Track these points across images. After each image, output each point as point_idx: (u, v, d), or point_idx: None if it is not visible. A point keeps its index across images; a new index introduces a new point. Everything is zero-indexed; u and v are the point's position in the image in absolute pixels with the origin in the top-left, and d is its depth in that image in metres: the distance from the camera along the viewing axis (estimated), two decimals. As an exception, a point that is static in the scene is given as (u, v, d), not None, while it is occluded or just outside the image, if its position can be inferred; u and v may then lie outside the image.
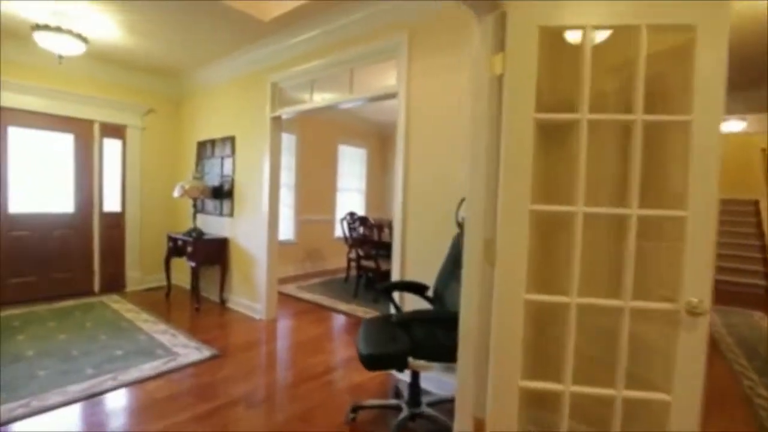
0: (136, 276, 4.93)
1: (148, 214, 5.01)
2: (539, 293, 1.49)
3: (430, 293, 2.45)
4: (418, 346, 1.87)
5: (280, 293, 4.85)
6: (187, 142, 5.03)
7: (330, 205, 6.74)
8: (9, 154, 4.02)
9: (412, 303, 2.68)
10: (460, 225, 2.25)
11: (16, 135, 4.05)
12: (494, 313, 1.49)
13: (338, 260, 6.92)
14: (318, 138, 6.42)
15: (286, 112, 3.70)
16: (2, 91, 3.89)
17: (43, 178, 4.25)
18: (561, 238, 1.54)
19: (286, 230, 6.01)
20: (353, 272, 5.85)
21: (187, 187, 4.19)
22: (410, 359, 1.85)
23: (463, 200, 2.25)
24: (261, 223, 3.92)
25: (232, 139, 4.28)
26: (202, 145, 4.77)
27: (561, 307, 1.46)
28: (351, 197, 7.22)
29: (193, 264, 4.10)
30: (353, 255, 5.43)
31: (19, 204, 4.11)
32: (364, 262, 4.81)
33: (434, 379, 2.56)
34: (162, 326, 3.59)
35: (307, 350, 3.20)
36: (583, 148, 1.42)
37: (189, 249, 4.15)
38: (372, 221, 4.61)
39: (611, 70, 1.60)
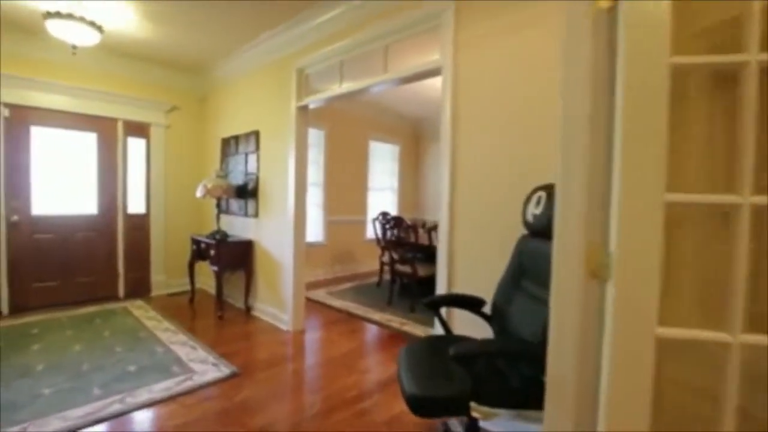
0: (161, 280, 4.73)
1: (173, 215, 4.80)
2: (675, 325, 1.01)
3: (486, 309, 1.99)
4: (480, 386, 1.42)
5: (309, 300, 4.50)
6: (212, 139, 4.79)
7: (360, 204, 6.37)
8: (32, 154, 3.88)
9: (462, 321, 2.23)
10: (531, 225, 1.78)
11: (38, 135, 3.91)
12: (608, 355, 1.02)
13: (370, 263, 6.53)
14: (347, 133, 6.07)
15: (313, 101, 3.33)
16: (25, 90, 3.76)
17: (65, 179, 4.10)
18: (707, 243, 1.05)
19: (315, 231, 5.68)
20: (386, 276, 5.44)
21: (209, 186, 3.92)
22: (472, 404, 1.40)
23: (535, 191, 1.78)
24: (287, 225, 3.58)
25: (256, 134, 3.97)
26: (226, 142, 4.50)
27: (713, 347, 0.97)
28: (383, 196, 6.82)
29: (215, 268, 3.81)
30: (386, 258, 5.01)
31: (42, 206, 3.97)
32: (399, 267, 4.38)
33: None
34: (182, 336, 3.31)
35: (338, 369, 2.81)
36: (750, 108, 0.93)
37: (212, 252, 3.87)
38: (408, 222, 4.18)
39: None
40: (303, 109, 3.49)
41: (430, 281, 4.51)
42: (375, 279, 5.72)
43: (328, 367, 2.84)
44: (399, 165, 7.05)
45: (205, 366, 2.75)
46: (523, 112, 2.04)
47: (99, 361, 2.80)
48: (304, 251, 3.64)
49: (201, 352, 2.99)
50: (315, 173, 5.62)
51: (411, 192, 7.41)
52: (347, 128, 6.05)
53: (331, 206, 5.83)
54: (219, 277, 3.82)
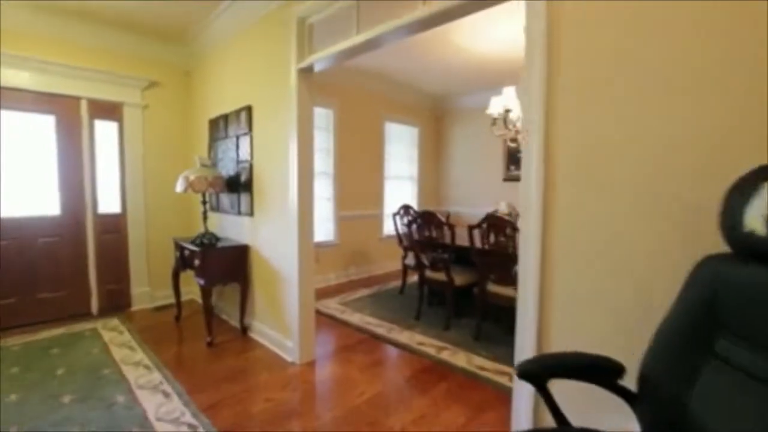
0: (143, 292, 3.97)
1: (155, 214, 4.01)
2: None
3: (629, 384, 1.15)
4: None
5: (320, 314, 3.70)
6: (201, 121, 3.96)
7: (376, 196, 5.52)
8: (-28, 142, 3.10)
9: (566, 391, 1.39)
10: (748, 239, 0.92)
11: (-22, 117, 3.12)
12: None
13: (388, 263, 5.71)
14: (360, 113, 5.20)
15: (319, 60, 2.47)
16: (-46, 60, 2.96)
17: (18, 174, 3.32)
18: None
19: (325, 229, 4.86)
20: (410, 279, 4.64)
21: (192, 178, 3.11)
22: None
23: (759, 171, 0.92)
24: (289, 225, 2.76)
25: (248, 111, 3.13)
26: (213, 124, 3.67)
27: None
28: (401, 186, 5.96)
29: (201, 282, 3.02)
30: (410, 261, 4.18)
31: (-13, 207, 3.20)
32: (430, 274, 3.54)
33: None
34: (156, 375, 2.53)
35: (364, 429, 2.01)
36: None
37: (196, 262, 3.07)
38: (441, 217, 3.33)
39: None
40: (307, 73, 2.64)
41: (468, 291, 3.69)
42: (395, 284, 4.90)
43: (351, 425, 2.03)
44: (419, 150, 6.17)
45: (177, 430, 1.97)
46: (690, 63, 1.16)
47: (34, 421, 2.03)
48: (313, 258, 2.83)
49: (176, 403, 2.21)
50: (323, 161, 4.78)
51: (432, 181, 6.53)
52: (359, 107, 5.18)
53: (342, 199, 5.00)
54: (206, 293, 3.03)
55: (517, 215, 4.03)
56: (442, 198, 6.52)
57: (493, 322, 3.50)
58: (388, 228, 5.60)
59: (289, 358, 2.81)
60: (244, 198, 3.22)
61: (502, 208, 3.73)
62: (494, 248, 2.98)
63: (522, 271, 1.58)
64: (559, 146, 1.45)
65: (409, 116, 5.96)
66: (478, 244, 3.11)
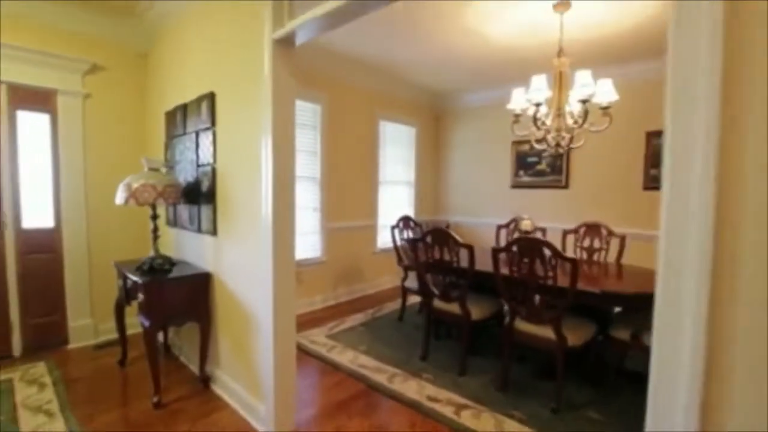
0: (84, 325, 3.20)
1: (100, 229, 3.26)
2: None
3: None
4: None
5: (303, 352, 3.00)
6: (158, 114, 3.23)
7: (370, 204, 4.85)
8: None
9: None
10: None
11: None
12: None
13: (383, 280, 5.04)
14: (351, 110, 4.52)
15: (302, 26, 1.79)
16: None
17: None
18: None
19: (310, 244, 4.16)
20: (409, 300, 3.99)
21: (135, 186, 2.38)
22: None
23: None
24: (261, 248, 2.05)
25: (210, 99, 2.42)
26: (170, 117, 2.95)
27: None
28: (396, 193, 5.30)
29: (145, 323, 2.29)
30: (412, 284, 3.52)
31: None
32: (440, 304, 2.88)
33: None
34: (70, 465, 1.80)
35: None
36: None
37: (139, 296, 2.34)
38: (458, 238, 2.66)
39: None
40: (286, 48, 1.96)
41: (485, 325, 3.03)
42: (392, 306, 4.23)
43: None
44: (416, 152, 5.52)
45: None
46: None
47: None
48: (293, 291, 2.12)
49: None
50: (309, 165, 4.09)
51: (431, 187, 5.89)
52: (351, 103, 4.50)
53: (331, 209, 4.30)
54: (151, 337, 2.29)
55: (534, 230, 3.40)
56: (442, 206, 5.88)
57: (517, 362, 2.86)
58: (383, 240, 4.93)
59: (260, 428, 2.10)
60: (206, 211, 2.50)
61: (524, 224, 3.10)
62: (526, 277, 2.34)
63: (664, 317, 0.93)
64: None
65: (406, 114, 5.31)
66: (504, 270, 2.47)
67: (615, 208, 4.28)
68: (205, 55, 2.51)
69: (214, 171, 2.42)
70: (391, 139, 5.14)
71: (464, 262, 2.68)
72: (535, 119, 2.73)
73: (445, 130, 5.80)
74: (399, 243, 3.89)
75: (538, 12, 2.95)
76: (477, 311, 2.77)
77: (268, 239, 1.98)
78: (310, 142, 4.07)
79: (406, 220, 3.95)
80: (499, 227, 4.14)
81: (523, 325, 2.47)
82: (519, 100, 2.99)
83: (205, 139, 2.47)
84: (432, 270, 2.90)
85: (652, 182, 4.08)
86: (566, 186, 4.67)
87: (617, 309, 2.75)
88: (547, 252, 2.23)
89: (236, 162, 2.26)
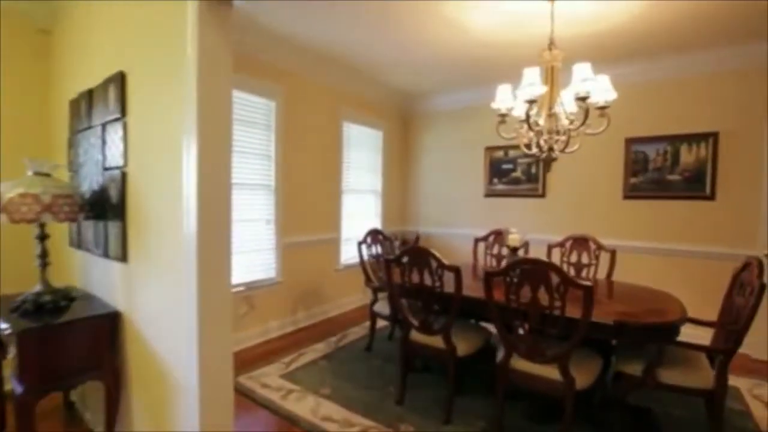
0: (-47, 378, 2.41)
1: (-20, 250, 2.50)
2: None
3: None
4: None
5: (250, 401, 2.40)
6: (63, 104, 2.54)
7: (332, 215, 4.32)
8: None
9: None
10: None
11: None
12: None
13: (348, 300, 4.51)
14: (313, 108, 3.99)
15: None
16: None
17: None
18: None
19: (263, 263, 3.56)
20: (379, 323, 3.50)
21: (9, 196, 1.72)
22: None
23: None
24: (182, 280, 1.48)
25: (119, 81, 1.82)
26: (74, 106, 2.29)
27: None
28: (362, 202, 4.81)
29: (19, 389, 1.63)
30: (383, 309, 3.04)
31: None
32: (420, 337, 2.41)
33: None
34: None
35: None
36: None
37: (11, 350, 1.68)
38: (441, 259, 2.20)
39: None
40: (219, 7, 1.43)
41: (473, 361, 2.57)
42: (359, 331, 3.71)
43: None
44: (383, 158, 5.06)
45: None
46: None
47: None
48: (228, 339, 1.56)
49: None
50: (261, 170, 3.50)
51: (399, 195, 5.45)
52: (312, 100, 3.97)
53: (288, 221, 3.73)
54: (24, 411, 1.63)
55: (522, 245, 3.03)
56: (411, 216, 5.45)
57: (510, 399, 2.44)
58: (347, 255, 4.41)
59: None
60: (113, 230, 1.88)
61: (512, 239, 2.71)
62: (528, 307, 1.92)
63: None
64: None
65: (373, 116, 4.86)
66: (499, 298, 2.04)
67: (595, 218, 4.04)
68: (115, 23, 1.91)
69: (124, 176, 1.81)
70: (356, 143, 4.65)
71: (449, 287, 2.22)
72: (527, 119, 2.35)
73: (414, 135, 5.40)
74: (367, 259, 3.39)
75: (527, 2, 2.60)
76: (464, 345, 2.32)
77: (191, 267, 1.42)
78: (263, 144, 3.50)
79: (374, 234, 3.47)
80: (477, 240, 3.76)
81: (521, 364, 2.05)
82: (505, 97, 2.62)
83: (114, 134, 1.86)
84: (409, 296, 2.42)
85: (633, 191, 3.88)
86: (543, 195, 4.39)
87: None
88: (554, 278, 1.82)
89: (154, 164, 1.68)
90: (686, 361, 2.12)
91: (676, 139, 3.67)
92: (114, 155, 1.86)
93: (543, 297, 1.87)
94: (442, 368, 2.55)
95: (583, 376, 1.96)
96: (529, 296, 1.90)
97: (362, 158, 4.76)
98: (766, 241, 3.26)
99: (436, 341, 2.32)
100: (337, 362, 3.07)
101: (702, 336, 2.53)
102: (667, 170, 3.72)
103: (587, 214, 4.09)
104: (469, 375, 2.80)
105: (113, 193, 1.86)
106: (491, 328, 2.28)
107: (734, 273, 2.23)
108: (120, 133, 1.81)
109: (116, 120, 1.83)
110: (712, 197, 3.53)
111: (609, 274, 3.05)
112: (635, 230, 3.85)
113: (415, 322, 2.37)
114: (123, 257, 1.82)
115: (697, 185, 3.59)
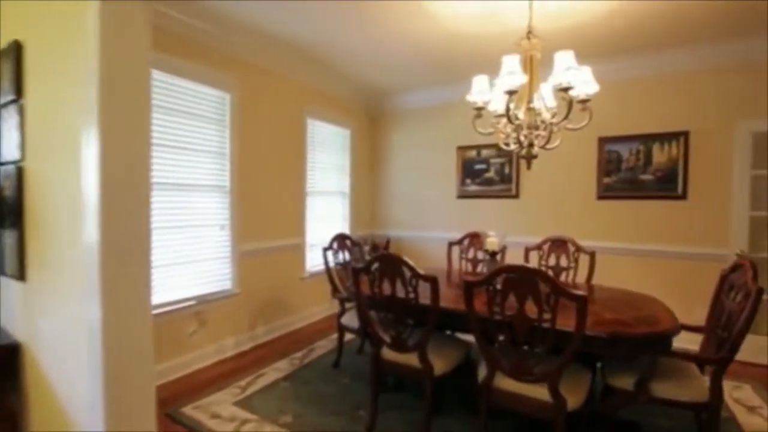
0: None
1: None
2: None
3: None
4: None
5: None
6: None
7: (296, 219, 3.99)
8: None
9: None
10: None
11: None
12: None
13: (313, 311, 4.19)
14: (273, 103, 3.66)
15: None
16: None
17: None
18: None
19: (215, 273, 3.18)
20: (347, 337, 3.22)
21: None
22: None
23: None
24: (83, 302, 1.14)
25: (13, 54, 1.45)
26: (-33, 90, 1.88)
27: None
28: (328, 205, 4.51)
29: None
30: (352, 322, 2.76)
31: None
32: (392, 355, 2.14)
33: None
34: None
35: None
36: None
37: None
38: (415, 268, 1.94)
39: None
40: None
41: (452, 378, 2.31)
42: (325, 345, 3.41)
43: None
44: (351, 158, 4.79)
45: None
46: None
47: None
48: (152, 369, 1.36)
49: None
50: (213, 169, 3.14)
51: (368, 198, 5.19)
52: (272, 94, 3.64)
53: (246, 226, 3.37)
54: None
55: (502, 249, 2.83)
56: (381, 219, 5.20)
57: (494, 419, 2.21)
58: (313, 261, 4.09)
59: None
60: (9, 240, 1.50)
61: (490, 243, 2.51)
62: (513, 321, 1.71)
63: None
64: None
65: (340, 114, 4.58)
66: (481, 309, 1.81)
67: (569, 219, 3.94)
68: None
69: (20, 173, 1.44)
70: (322, 142, 4.36)
71: (425, 298, 1.98)
72: (507, 111, 2.15)
73: (383, 134, 5.16)
74: (334, 267, 3.10)
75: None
76: (441, 363, 2.08)
77: (93, 285, 1.09)
78: (216, 140, 3.14)
79: (341, 239, 3.18)
80: (452, 244, 3.55)
81: (505, 383, 1.83)
82: (482, 89, 2.41)
83: (9, 119, 1.49)
84: (380, 308, 2.16)
85: (606, 191, 3.80)
86: (517, 195, 4.26)
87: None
88: (543, 287, 1.61)
89: (55, 157, 1.33)
90: (677, 372, 1.97)
91: (648, 139, 3.62)
92: (9, 146, 1.48)
93: (530, 308, 1.66)
94: (417, 385, 2.30)
95: (574, 396, 1.76)
96: (515, 308, 1.69)
97: (329, 158, 4.47)
98: (737, 240, 3.25)
99: (411, 359, 2.07)
100: (301, 383, 2.75)
101: (684, 340, 2.41)
102: (640, 170, 3.66)
103: (562, 215, 3.99)
104: (447, 392, 2.56)
105: (8, 194, 1.49)
106: (470, 337, 2.05)
107: (722, 274, 2.12)
108: (16, 118, 1.45)
109: (11, 102, 1.46)
110: (684, 197, 3.49)
111: (589, 278, 2.91)
112: (609, 231, 3.77)
113: (387, 339, 2.11)
114: (20, 274, 1.45)
115: (669, 185, 3.54)
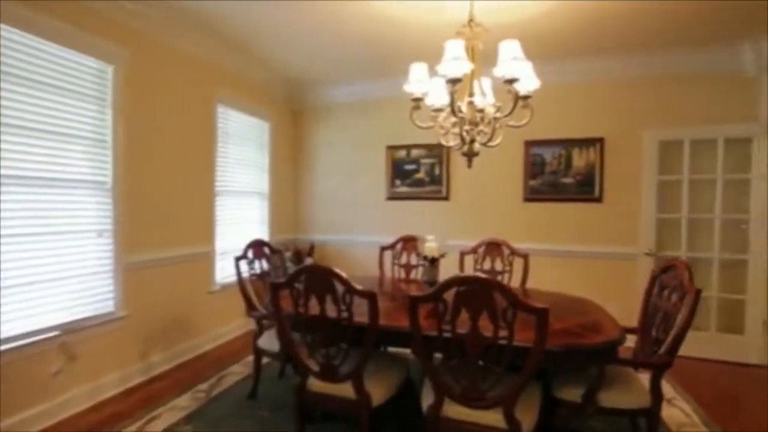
0: None
1: None
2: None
3: None
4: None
5: None
6: None
7: (203, 223, 3.40)
8: None
9: None
10: None
11: None
12: None
13: (225, 329, 3.64)
14: (174, 83, 3.05)
15: None
16: None
17: None
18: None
19: (96, 292, 2.51)
20: (266, 359, 2.78)
21: None
22: None
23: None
24: None
25: None
26: None
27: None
28: (244, 207, 3.97)
29: None
30: (270, 344, 2.34)
31: None
32: (320, 386, 1.78)
33: None
34: None
35: None
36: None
37: None
38: (349, 282, 1.62)
39: None
40: None
41: (391, 409, 1.99)
42: (242, 370, 2.92)
43: None
44: (270, 154, 4.30)
45: None
46: None
47: None
48: None
49: None
50: (89, 159, 2.47)
51: (290, 199, 4.73)
52: (173, 73, 3.03)
53: (135, 233, 2.73)
54: None
55: (442, 255, 2.62)
56: (305, 222, 4.77)
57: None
58: (225, 271, 3.54)
59: None
60: None
61: (428, 248, 2.28)
62: (466, 339, 1.47)
63: None
64: None
65: (258, 103, 4.06)
66: (428, 327, 1.55)
67: (499, 221, 3.93)
68: None
69: None
70: (237, 135, 3.81)
71: (361, 315, 1.66)
72: (452, 102, 1.93)
73: (307, 129, 4.74)
74: (249, 279, 2.63)
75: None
76: (380, 391, 1.78)
77: None
78: (92, 124, 2.47)
79: (258, 246, 2.72)
80: (383, 248, 3.30)
81: (455, 411, 1.59)
82: (420, 78, 2.18)
83: None
84: (306, 329, 1.78)
85: (532, 194, 3.86)
86: (447, 197, 4.16)
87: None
88: (499, 299, 1.40)
89: None
90: (618, 378, 1.92)
91: (569, 143, 3.74)
92: None
93: (484, 324, 1.44)
94: (349, 419, 1.97)
95: (527, 417, 1.58)
96: (468, 325, 1.45)
97: (244, 153, 3.94)
98: (646, 240, 3.48)
99: (344, 389, 1.73)
100: (209, 423, 2.25)
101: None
102: (561, 173, 3.78)
103: (491, 217, 3.97)
104: (385, 420, 2.26)
105: None
106: (407, 351, 1.79)
107: (653, 275, 2.14)
108: None
109: None
110: (600, 200, 3.66)
111: (523, 281, 2.85)
112: (536, 233, 3.82)
113: (315, 367, 1.75)
114: None
115: (587, 188, 3.70)
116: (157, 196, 2.91)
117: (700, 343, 3.22)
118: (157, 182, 2.91)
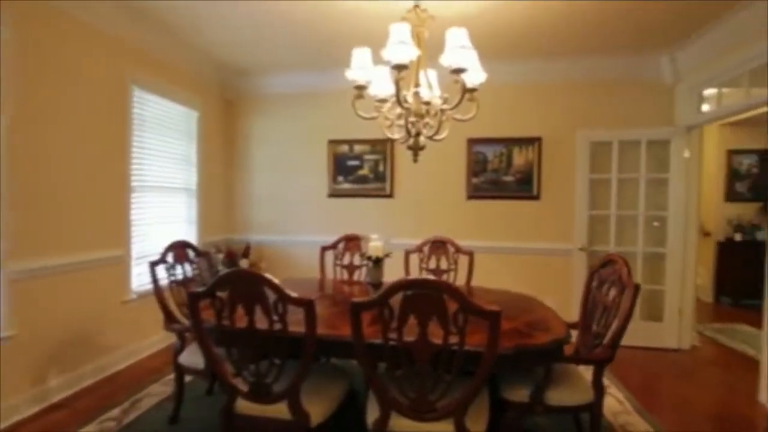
0: None
1: None
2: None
3: None
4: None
5: None
6: None
7: (115, 223, 2.96)
8: None
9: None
10: None
11: None
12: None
13: (144, 344, 3.23)
14: (78, 58, 2.60)
15: None
16: None
17: None
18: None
19: (-34, 308, 2.05)
20: (189, 377, 2.47)
21: None
22: None
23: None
24: None
25: None
26: None
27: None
28: (167, 204, 3.55)
29: None
30: (193, 361, 2.06)
31: None
32: (250, 408, 1.56)
33: None
34: None
35: None
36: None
37: None
38: (283, 289, 1.42)
39: None
40: None
41: (332, 425, 1.78)
42: (162, 389, 2.56)
43: None
44: (199, 147, 3.90)
45: None
46: None
47: None
48: None
49: None
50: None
51: (223, 196, 4.34)
52: (75, 46, 2.58)
53: (25, 235, 2.28)
54: None
55: (387, 255, 2.49)
56: (239, 222, 4.41)
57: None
58: (142, 278, 3.12)
59: None
60: None
61: (372, 248, 2.14)
62: (414, 347, 1.34)
63: None
64: None
65: (184, 89, 3.65)
66: (371, 335, 1.40)
67: (443, 219, 3.90)
68: None
69: None
70: (158, 122, 3.39)
71: (296, 325, 1.46)
72: (398, 91, 1.80)
73: (242, 121, 4.38)
74: (168, 286, 2.30)
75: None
76: (319, 408, 1.59)
77: None
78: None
79: (180, 248, 2.39)
80: (324, 249, 3.10)
81: (402, 424, 1.45)
82: (363, 64, 2.03)
83: None
84: (232, 344, 1.55)
85: (475, 191, 3.88)
86: (391, 195, 4.05)
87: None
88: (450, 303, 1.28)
89: None
90: (562, 375, 1.91)
91: (509, 142, 3.80)
92: None
93: (433, 330, 1.32)
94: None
95: (479, 424, 1.50)
96: (416, 331, 1.32)
97: (168, 144, 3.52)
98: (580, 236, 3.63)
99: (278, 410, 1.53)
100: (115, 457, 1.91)
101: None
102: (502, 171, 3.83)
103: (435, 215, 3.93)
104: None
105: None
106: (348, 361, 1.64)
107: (591, 270, 2.17)
108: None
109: None
110: (538, 197, 3.77)
111: (468, 280, 2.82)
112: (479, 230, 3.85)
113: (243, 387, 1.52)
114: None
115: (526, 186, 3.79)
116: (54, 190, 2.46)
117: (627, 332, 3.41)
118: (54, 174, 2.46)
